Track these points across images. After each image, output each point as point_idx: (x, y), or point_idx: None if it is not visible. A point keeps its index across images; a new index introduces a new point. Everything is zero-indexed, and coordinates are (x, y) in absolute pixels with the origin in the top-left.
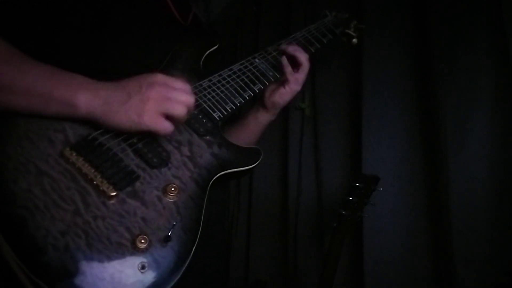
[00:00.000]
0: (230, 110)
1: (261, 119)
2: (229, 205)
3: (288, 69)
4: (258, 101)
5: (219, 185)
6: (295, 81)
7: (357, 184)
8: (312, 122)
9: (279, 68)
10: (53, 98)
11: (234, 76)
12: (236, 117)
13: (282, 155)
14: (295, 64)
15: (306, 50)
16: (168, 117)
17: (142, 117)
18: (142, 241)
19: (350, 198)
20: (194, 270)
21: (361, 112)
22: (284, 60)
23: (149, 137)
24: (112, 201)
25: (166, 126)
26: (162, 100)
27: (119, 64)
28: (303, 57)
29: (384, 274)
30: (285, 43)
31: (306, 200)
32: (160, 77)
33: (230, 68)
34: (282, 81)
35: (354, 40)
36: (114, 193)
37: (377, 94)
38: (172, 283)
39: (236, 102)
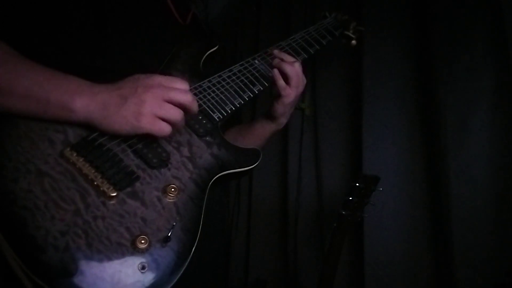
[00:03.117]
0: (229, 111)
1: (267, 128)
2: (229, 205)
3: (280, 82)
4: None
5: (219, 185)
6: (288, 95)
7: (357, 184)
8: (312, 122)
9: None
10: (50, 102)
11: (233, 77)
12: (243, 122)
13: (282, 155)
14: (285, 77)
15: (298, 55)
16: (166, 119)
17: (139, 120)
18: (142, 241)
19: (350, 198)
20: (194, 270)
21: (361, 112)
22: (276, 72)
23: (149, 137)
24: (112, 202)
25: (163, 128)
26: (158, 102)
27: (120, 64)
28: (289, 69)
29: (385, 274)
30: (273, 50)
31: (306, 200)
32: (155, 79)
33: (230, 69)
34: (276, 95)
35: (353, 42)
36: (114, 194)
37: (377, 94)
38: (172, 283)
39: (236, 103)
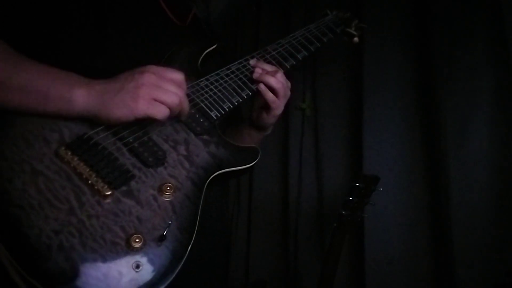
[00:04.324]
0: (227, 109)
1: (256, 137)
2: (229, 205)
3: (269, 95)
4: (248, 121)
5: (218, 185)
6: (278, 107)
7: (357, 184)
8: (312, 122)
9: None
10: (50, 94)
11: (232, 76)
12: (232, 127)
13: (282, 155)
14: (271, 89)
15: (298, 53)
16: (163, 101)
17: (137, 102)
18: (137, 240)
19: (350, 198)
20: (194, 270)
21: (361, 112)
22: (263, 87)
23: (145, 136)
24: (107, 200)
25: (162, 110)
26: (155, 86)
27: (119, 65)
28: (273, 81)
29: (385, 274)
30: (255, 58)
31: (306, 200)
32: (151, 66)
33: (228, 67)
34: (263, 105)
35: (356, 39)
36: (109, 192)
37: (377, 94)
38: (167, 283)
39: (234, 101)
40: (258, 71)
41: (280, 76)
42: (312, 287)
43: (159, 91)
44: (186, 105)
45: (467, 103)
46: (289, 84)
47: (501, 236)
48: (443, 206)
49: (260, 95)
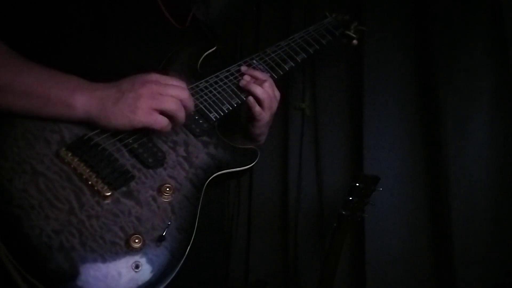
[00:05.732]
0: (226, 111)
1: (248, 145)
2: (229, 205)
3: (256, 109)
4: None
5: (218, 185)
6: (263, 119)
7: (357, 184)
8: (312, 122)
9: (279, 68)
10: (51, 99)
11: (231, 77)
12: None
13: (282, 155)
14: (257, 99)
15: (297, 55)
16: (163, 113)
17: (135, 113)
18: (136, 240)
19: (350, 198)
20: (194, 270)
21: (361, 112)
22: (252, 100)
23: (145, 137)
24: (107, 201)
25: (160, 121)
26: (155, 96)
27: (119, 65)
28: (260, 92)
29: (385, 274)
30: (245, 64)
31: (306, 200)
32: (153, 75)
33: (227, 69)
34: (250, 118)
35: (354, 42)
36: (109, 193)
37: (377, 94)
38: (166, 283)
39: (233, 103)
40: (246, 78)
41: (268, 86)
42: (312, 287)
43: (158, 101)
44: (191, 105)
45: (467, 103)
46: (277, 94)
47: (501, 236)
48: (443, 206)
49: (248, 107)
